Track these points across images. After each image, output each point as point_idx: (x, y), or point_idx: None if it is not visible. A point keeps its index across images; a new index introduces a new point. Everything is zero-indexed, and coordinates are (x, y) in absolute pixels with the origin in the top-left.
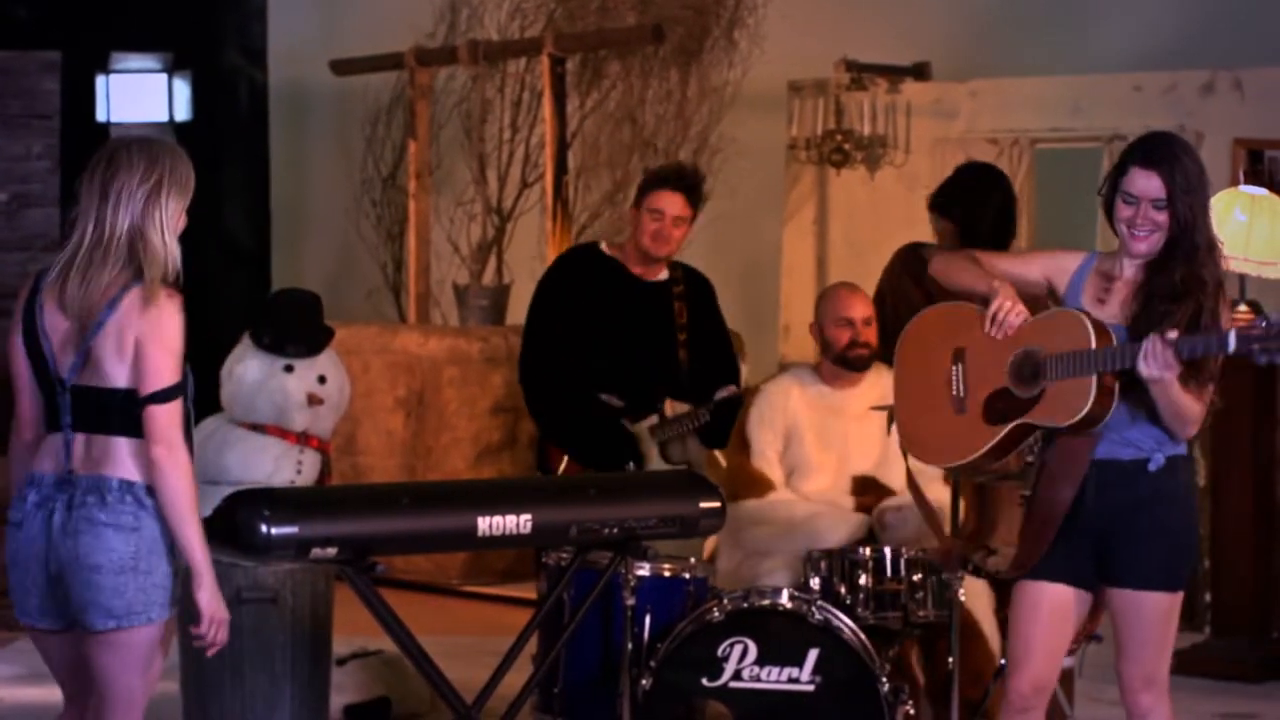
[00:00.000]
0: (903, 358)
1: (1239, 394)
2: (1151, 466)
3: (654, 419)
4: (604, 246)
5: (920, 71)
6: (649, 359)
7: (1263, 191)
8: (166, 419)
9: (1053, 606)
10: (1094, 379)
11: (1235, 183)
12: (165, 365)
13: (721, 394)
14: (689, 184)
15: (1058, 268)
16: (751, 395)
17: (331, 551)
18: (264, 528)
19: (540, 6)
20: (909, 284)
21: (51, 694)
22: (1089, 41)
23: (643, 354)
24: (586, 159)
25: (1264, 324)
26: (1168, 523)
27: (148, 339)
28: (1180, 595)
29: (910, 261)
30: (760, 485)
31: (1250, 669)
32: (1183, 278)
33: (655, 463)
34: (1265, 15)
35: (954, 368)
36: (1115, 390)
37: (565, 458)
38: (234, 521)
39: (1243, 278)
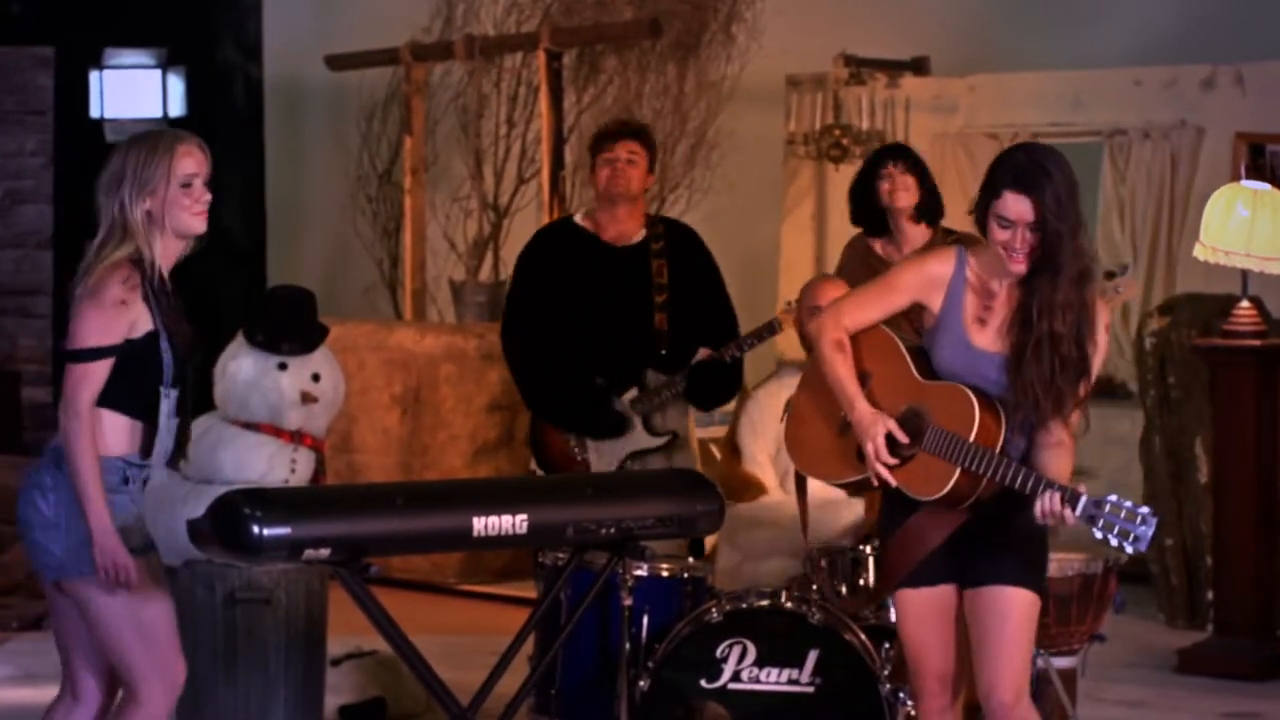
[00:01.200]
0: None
1: (1242, 393)
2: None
3: (634, 391)
4: (578, 218)
5: (919, 66)
6: (623, 329)
7: (1265, 186)
8: (72, 380)
9: (932, 606)
10: (958, 470)
11: (1236, 178)
12: (84, 326)
13: (698, 358)
14: (631, 129)
15: (927, 282)
16: (743, 400)
17: (324, 553)
18: (255, 528)
19: (537, 1)
20: (866, 276)
21: (44, 694)
22: (1089, 36)
23: (617, 324)
24: (583, 154)
25: (1114, 501)
26: (1029, 526)
27: (80, 299)
28: (1039, 597)
29: (865, 253)
30: (752, 489)
31: (1253, 668)
32: (1042, 304)
33: (639, 433)
34: (1266, 9)
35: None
36: (981, 482)
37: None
38: (225, 522)
39: (1245, 274)
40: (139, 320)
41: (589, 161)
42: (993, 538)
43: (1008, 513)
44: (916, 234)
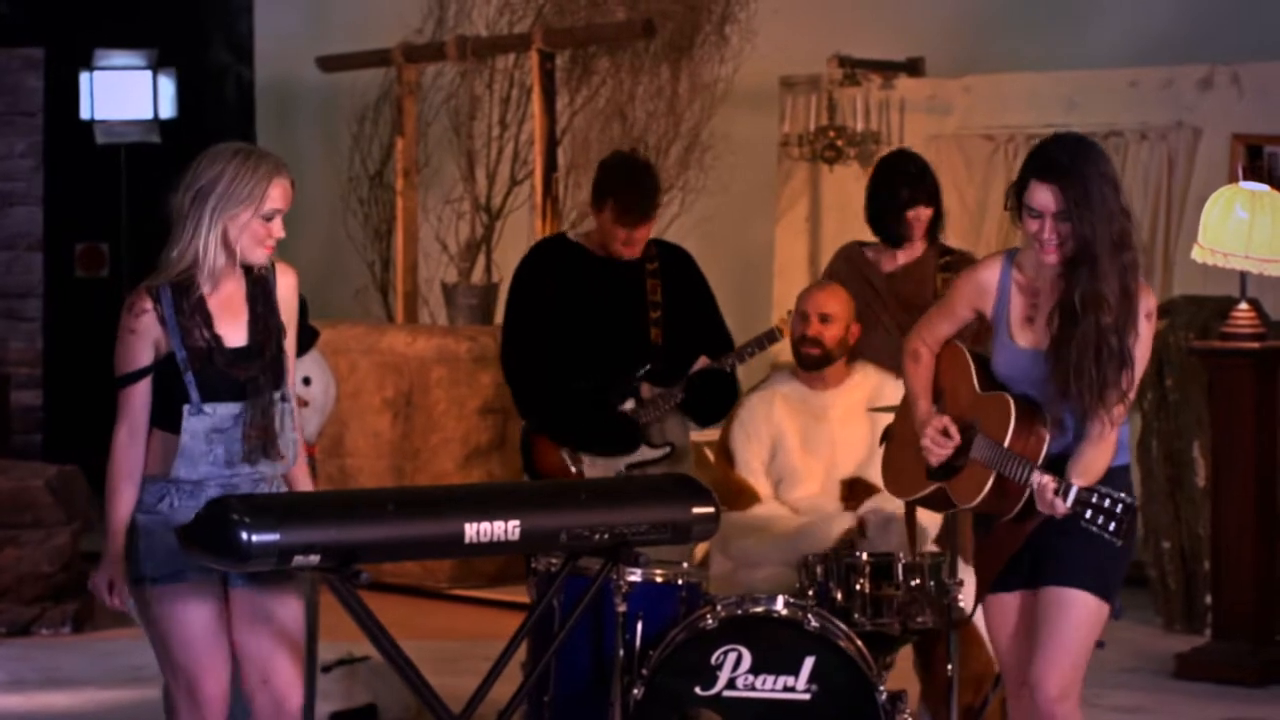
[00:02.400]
0: (937, 373)
1: (1240, 395)
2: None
3: (631, 404)
4: (571, 235)
5: (914, 67)
6: (620, 341)
7: (1264, 188)
8: (118, 402)
9: (1018, 613)
10: (993, 476)
11: (1234, 179)
12: (116, 353)
13: (696, 368)
14: (647, 208)
15: (979, 291)
16: (735, 407)
17: (314, 559)
18: (244, 535)
19: (529, 2)
20: (858, 282)
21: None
22: (1085, 36)
23: (614, 337)
24: (576, 156)
25: (1102, 491)
26: (1094, 537)
27: None
28: (1105, 605)
29: (858, 261)
30: (745, 497)
31: (1252, 673)
32: (1082, 296)
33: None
34: (1263, 9)
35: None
36: (1020, 494)
37: (556, 449)
38: (214, 528)
39: (1244, 275)
40: (160, 342)
41: (589, 185)
42: (1064, 542)
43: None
44: (914, 246)
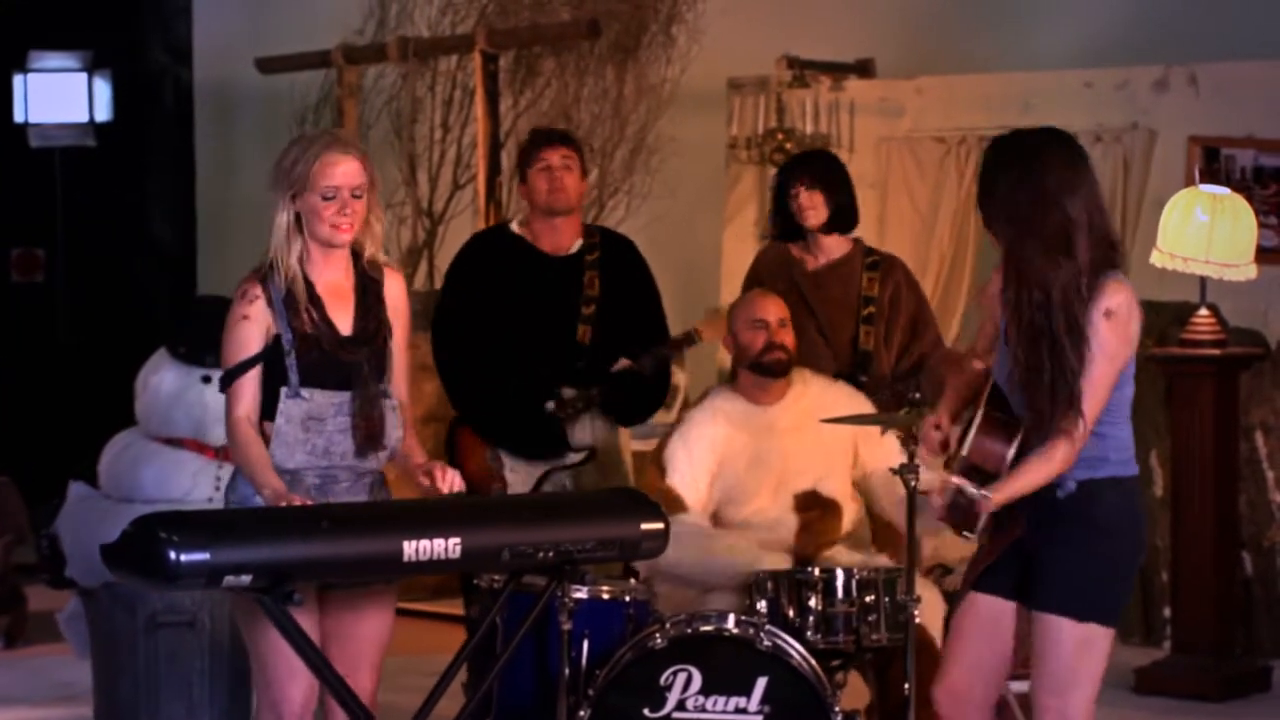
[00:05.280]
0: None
1: (1200, 403)
2: (1060, 493)
3: (551, 404)
4: (514, 226)
5: (864, 68)
6: (545, 340)
7: (1225, 191)
8: (229, 394)
9: (980, 616)
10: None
11: (1190, 182)
12: (225, 344)
13: (616, 367)
14: (560, 133)
15: (990, 301)
16: (678, 420)
17: (246, 579)
18: (172, 554)
19: (472, 2)
20: (785, 281)
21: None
22: (1039, 37)
23: (539, 335)
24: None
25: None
26: (1082, 549)
27: None
28: (1099, 628)
29: (783, 258)
30: (670, 504)
31: (1213, 687)
32: (1015, 302)
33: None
34: (1219, 9)
35: (967, 412)
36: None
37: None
38: (140, 547)
39: (1204, 281)
40: (270, 328)
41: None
42: (1050, 557)
43: (1065, 533)
44: (832, 243)
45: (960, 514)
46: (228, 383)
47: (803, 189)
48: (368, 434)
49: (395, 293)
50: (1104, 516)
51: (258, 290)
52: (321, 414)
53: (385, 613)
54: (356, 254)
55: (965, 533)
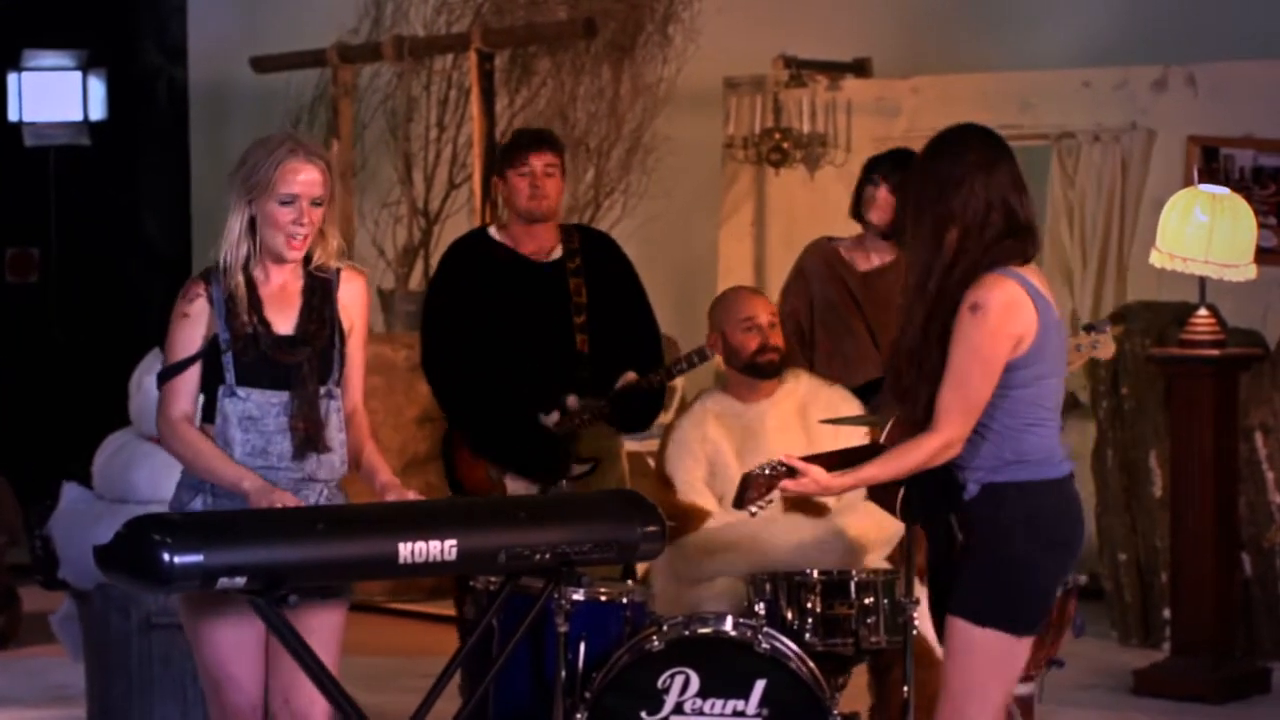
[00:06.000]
0: None
1: (1200, 403)
2: (965, 495)
3: (555, 415)
4: (493, 231)
5: (861, 68)
6: (544, 351)
7: (1224, 191)
8: (165, 392)
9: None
10: None
11: (1189, 181)
12: (167, 341)
13: (620, 384)
14: (545, 138)
15: None
16: (668, 431)
17: (240, 581)
18: (166, 556)
19: (468, 1)
20: (830, 279)
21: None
22: (1037, 36)
23: (538, 346)
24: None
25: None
26: (983, 552)
27: None
28: (998, 633)
29: (832, 258)
30: (694, 517)
31: (1212, 689)
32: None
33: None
34: (1218, 8)
35: None
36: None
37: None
38: (134, 549)
39: (1203, 281)
40: (209, 327)
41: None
42: (961, 563)
43: (971, 536)
44: (884, 246)
45: (747, 486)
46: (164, 380)
47: (885, 187)
48: (306, 434)
49: (352, 293)
50: (1006, 519)
51: (200, 289)
52: (259, 413)
53: (339, 613)
54: (308, 257)
55: (744, 507)
